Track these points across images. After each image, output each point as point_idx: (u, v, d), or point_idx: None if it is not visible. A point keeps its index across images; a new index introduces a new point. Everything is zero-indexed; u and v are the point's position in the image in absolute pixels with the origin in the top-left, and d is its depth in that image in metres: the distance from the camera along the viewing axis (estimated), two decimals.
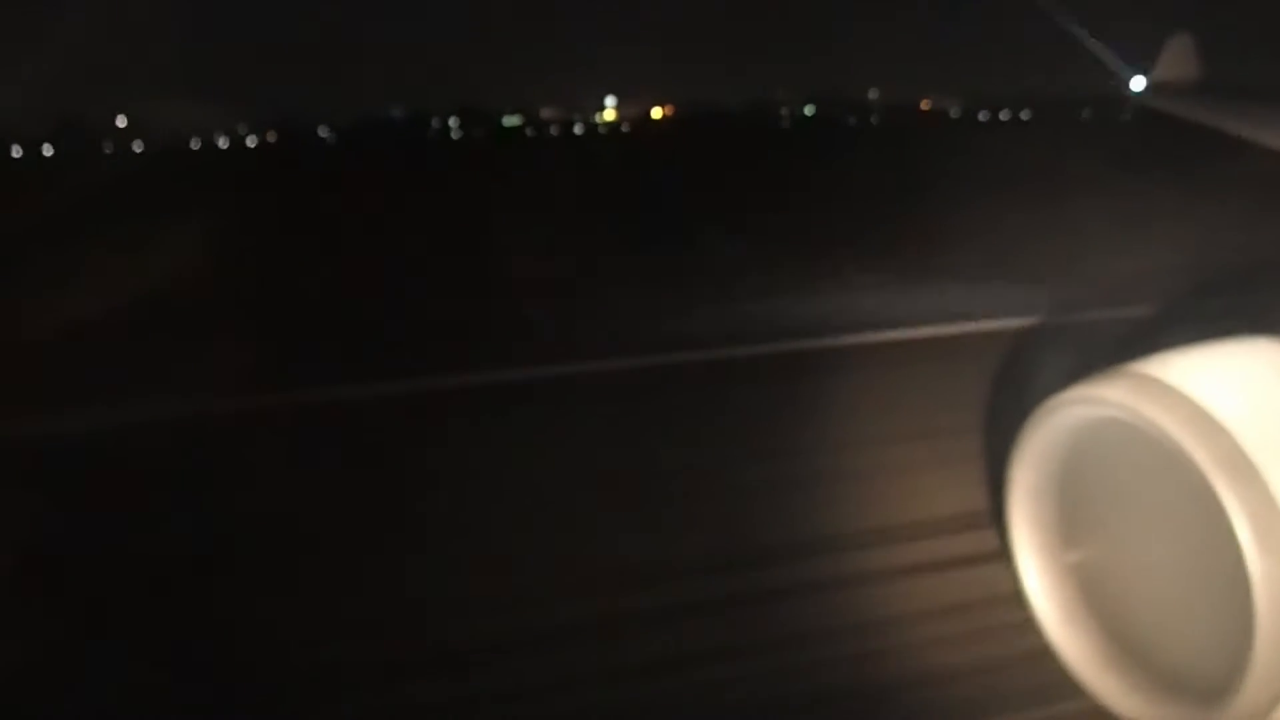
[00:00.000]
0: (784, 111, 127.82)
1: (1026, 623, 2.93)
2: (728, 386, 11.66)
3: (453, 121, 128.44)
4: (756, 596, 6.78)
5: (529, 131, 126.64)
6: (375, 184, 48.21)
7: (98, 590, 7.08)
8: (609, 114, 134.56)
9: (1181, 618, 2.68)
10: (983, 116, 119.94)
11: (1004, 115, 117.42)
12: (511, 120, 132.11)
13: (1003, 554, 3.03)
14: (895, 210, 25.70)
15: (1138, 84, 12.78)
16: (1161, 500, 2.64)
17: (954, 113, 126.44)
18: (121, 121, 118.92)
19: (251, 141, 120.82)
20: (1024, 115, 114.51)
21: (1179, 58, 12.12)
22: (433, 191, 43.47)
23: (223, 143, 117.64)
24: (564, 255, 20.62)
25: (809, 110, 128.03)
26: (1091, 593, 2.85)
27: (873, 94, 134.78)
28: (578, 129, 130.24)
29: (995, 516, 3.02)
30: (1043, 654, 2.90)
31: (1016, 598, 2.94)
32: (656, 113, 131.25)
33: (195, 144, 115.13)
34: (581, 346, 13.36)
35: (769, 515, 7.92)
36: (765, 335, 13.57)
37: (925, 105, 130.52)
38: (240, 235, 27.12)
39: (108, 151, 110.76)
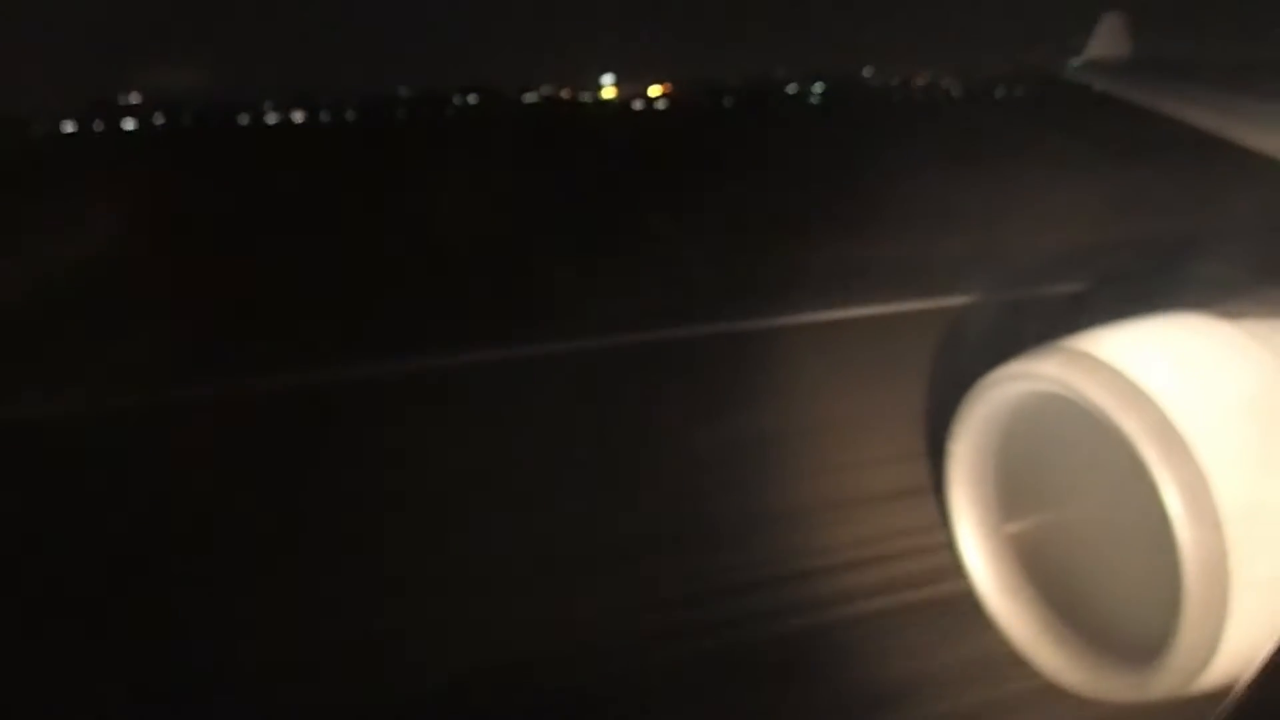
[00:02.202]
0: (782, 89, 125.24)
1: (966, 596, 2.99)
2: (671, 368, 11.69)
3: (471, 99, 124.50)
4: (700, 576, 6.84)
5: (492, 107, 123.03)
6: (340, 164, 47.42)
7: (44, 577, 6.95)
8: (608, 91, 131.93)
9: (1115, 585, 2.74)
10: (921, 95, 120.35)
11: (951, 91, 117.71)
12: (531, 97, 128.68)
13: (943, 527, 3.08)
14: (838, 189, 25.86)
15: (1071, 61, 12.94)
16: (1095, 471, 2.70)
17: (893, 88, 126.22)
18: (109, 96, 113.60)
19: (244, 120, 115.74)
20: (957, 92, 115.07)
21: (1112, 36, 12.30)
22: (389, 173, 42.71)
23: (214, 121, 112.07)
24: (509, 237, 20.49)
25: (817, 87, 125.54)
26: (1029, 563, 2.91)
27: (867, 71, 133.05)
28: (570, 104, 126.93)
29: (935, 491, 3.08)
30: (982, 628, 2.97)
31: (956, 571, 2.99)
32: (655, 90, 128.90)
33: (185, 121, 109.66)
34: (525, 329, 13.30)
35: (715, 492, 7.98)
36: (708, 316, 13.61)
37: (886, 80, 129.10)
38: (201, 219, 26.69)
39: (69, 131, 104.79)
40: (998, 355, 2.85)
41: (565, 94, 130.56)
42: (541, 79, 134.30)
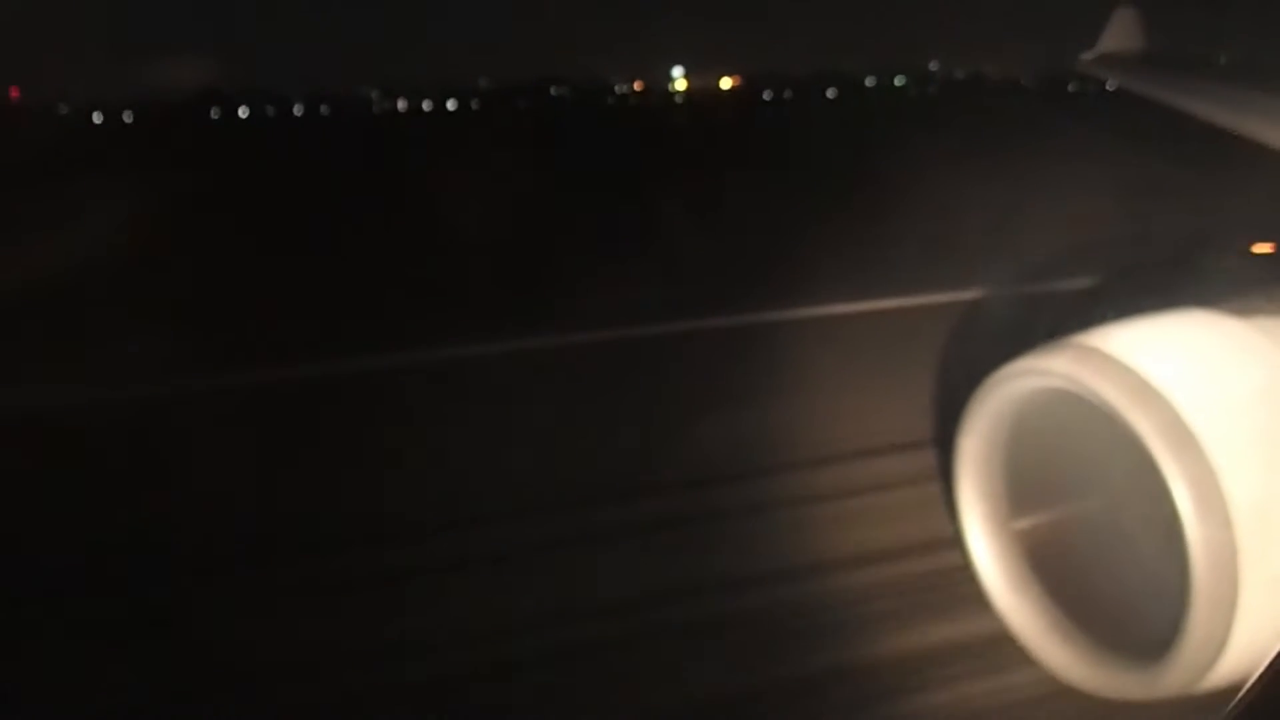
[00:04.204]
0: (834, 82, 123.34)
1: (974, 590, 2.98)
2: (683, 360, 11.68)
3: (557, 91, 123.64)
4: (708, 568, 6.84)
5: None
6: (352, 158, 47.42)
7: (44, 571, 6.97)
8: (680, 83, 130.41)
9: (1124, 582, 2.74)
10: (932, 89, 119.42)
11: (957, 87, 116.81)
12: (622, 88, 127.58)
13: (951, 519, 3.08)
14: (858, 183, 25.80)
15: (1082, 57, 12.86)
16: (1105, 468, 2.70)
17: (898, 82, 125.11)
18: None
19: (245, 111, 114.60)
20: (976, 87, 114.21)
21: (1124, 30, 12.23)
22: (407, 166, 42.67)
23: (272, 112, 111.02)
24: (522, 232, 20.48)
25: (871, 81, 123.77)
26: (1037, 559, 2.90)
27: (933, 65, 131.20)
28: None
29: (944, 486, 3.07)
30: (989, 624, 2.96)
31: (963, 564, 2.99)
32: (726, 82, 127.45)
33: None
34: (533, 322, 13.29)
35: (724, 483, 7.99)
36: (717, 309, 13.60)
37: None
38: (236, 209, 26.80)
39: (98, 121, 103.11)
40: (1009, 350, 2.84)
41: (636, 87, 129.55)
42: (614, 73, 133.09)
